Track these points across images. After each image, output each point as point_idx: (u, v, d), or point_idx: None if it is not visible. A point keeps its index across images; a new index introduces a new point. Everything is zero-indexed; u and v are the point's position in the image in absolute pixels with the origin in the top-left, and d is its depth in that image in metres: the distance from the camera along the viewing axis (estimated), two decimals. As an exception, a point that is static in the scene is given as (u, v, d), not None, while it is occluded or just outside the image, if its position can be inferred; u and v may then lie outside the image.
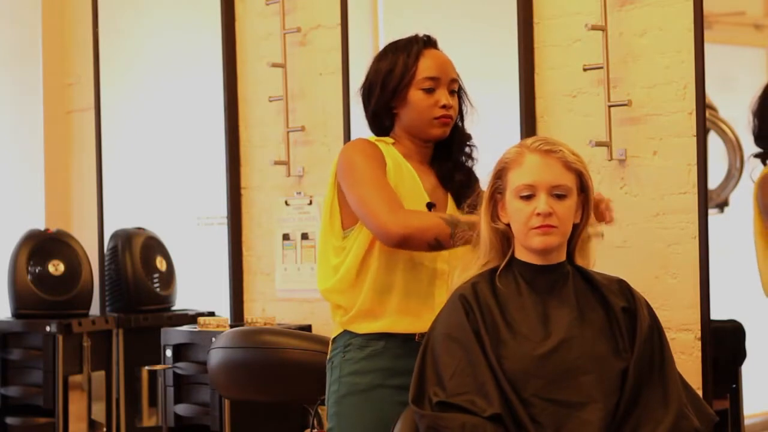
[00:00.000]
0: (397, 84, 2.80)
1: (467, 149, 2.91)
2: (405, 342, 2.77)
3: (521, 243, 2.54)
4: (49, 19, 5.26)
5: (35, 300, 4.76)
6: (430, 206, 2.80)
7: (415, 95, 2.81)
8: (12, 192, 5.29)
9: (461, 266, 2.63)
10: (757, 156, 3.37)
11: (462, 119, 2.91)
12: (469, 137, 2.92)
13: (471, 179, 2.89)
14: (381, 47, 2.94)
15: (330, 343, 2.88)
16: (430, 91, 2.80)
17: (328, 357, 2.87)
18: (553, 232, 2.49)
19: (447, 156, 2.89)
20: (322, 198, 4.21)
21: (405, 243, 2.68)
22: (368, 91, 2.86)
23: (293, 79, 4.35)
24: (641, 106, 3.36)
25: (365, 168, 2.75)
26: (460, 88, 2.89)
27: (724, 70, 3.35)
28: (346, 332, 2.82)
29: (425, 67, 2.81)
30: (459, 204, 2.84)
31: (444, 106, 2.80)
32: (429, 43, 2.85)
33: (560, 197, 2.49)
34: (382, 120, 2.86)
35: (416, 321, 2.77)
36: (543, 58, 3.58)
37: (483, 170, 2.70)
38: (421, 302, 2.78)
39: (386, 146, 2.83)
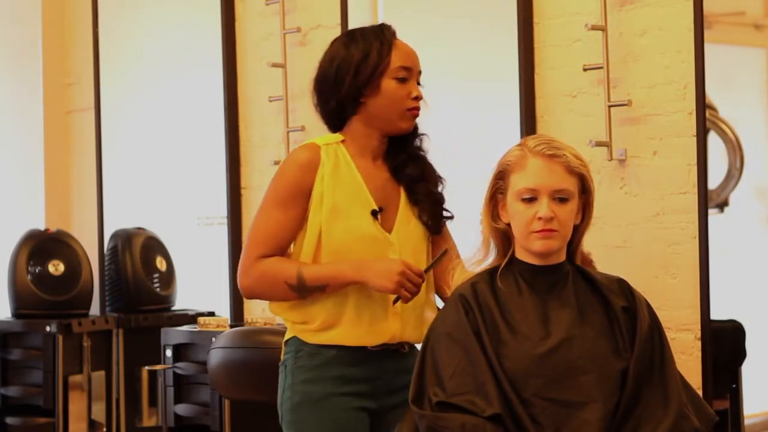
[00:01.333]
0: (372, 71, 2.69)
1: (418, 141, 2.81)
2: (356, 351, 2.70)
3: (522, 245, 2.54)
4: (49, 19, 5.26)
5: (35, 300, 4.76)
6: (375, 213, 2.70)
7: (389, 84, 2.71)
8: (12, 192, 5.29)
9: (461, 266, 2.63)
10: None
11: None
12: (416, 129, 2.81)
13: (425, 172, 2.79)
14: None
15: (283, 344, 2.80)
16: (402, 80, 2.71)
17: (281, 359, 2.79)
18: (554, 236, 2.49)
19: (401, 148, 2.78)
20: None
21: (250, 296, 2.74)
22: (335, 78, 2.72)
23: (293, 79, 4.35)
24: (641, 106, 3.35)
25: (273, 192, 2.70)
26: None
27: (724, 70, 3.35)
28: (296, 338, 2.75)
29: (399, 56, 2.72)
30: (413, 198, 2.76)
31: (416, 98, 2.72)
32: (394, 33, 2.77)
33: (562, 201, 2.49)
34: (345, 110, 2.74)
35: (369, 331, 2.70)
36: (543, 58, 3.58)
37: (483, 170, 2.70)
38: (376, 312, 2.70)
39: (332, 147, 2.73)
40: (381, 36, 2.73)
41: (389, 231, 2.73)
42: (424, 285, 2.69)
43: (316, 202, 2.69)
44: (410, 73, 2.73)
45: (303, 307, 2.71)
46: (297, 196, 2.69)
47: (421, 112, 2.77)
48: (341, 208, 2.69)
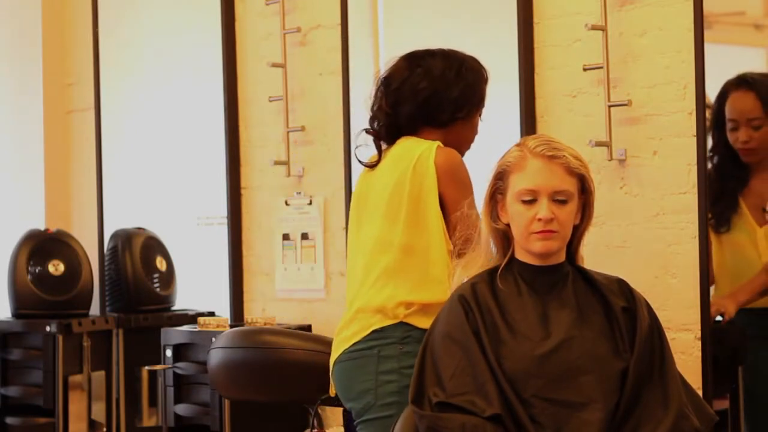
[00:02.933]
0: (480, 101, 2.93)
1: None
2: None
3: (521, 246, 2.54)
4: (49, 19, 5.26)
5: (35, 300, 4.76)
6: None
7: (476, 120, 2.93)
8: (12, 192, 5.29)
9: (461, 266, 2.63)
10: None
11: None
12: None
13: None
14: (381, 47, 2.96)
15: (364, 332, 2.81)
16: (479, 119, 2.95)
17: (365, 346, 2.80)
18: (553, 237, 2.49)
19: None
20: (323, 198, 4.24)
21: None
22: (444, 86, 2.89)
23: (293, 79, 4.35)
24: (641, 106, 3.35)
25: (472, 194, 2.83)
26: None
27: (724, 70, 3.35)
28: (402, 324, 2.78)
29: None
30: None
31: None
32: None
33: (562, 202, 2.49)
34: (431, 120, 2.88)
35: None
36: (543, 58, 3.58)
37: (482, 170, 2.70)
38: None
39: None
40: (485, 77, 2.98)
41: None
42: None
43: None
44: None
45: (430, 287, 2.77)
46: None
47: None
48: None
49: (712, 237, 3.26)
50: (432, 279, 2.77)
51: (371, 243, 2.86)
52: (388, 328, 2.78)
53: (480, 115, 2.94)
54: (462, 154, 2.88)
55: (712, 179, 3.26)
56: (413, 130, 2.88)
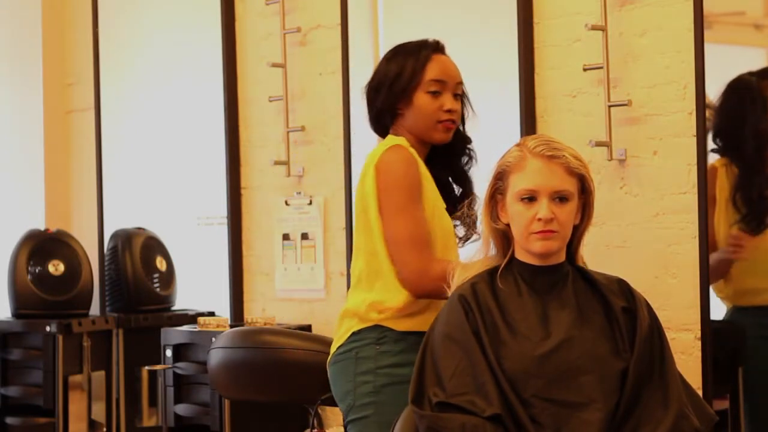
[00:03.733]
0: (405, 86, 2.85)
1: (466, 155, 2.96)
2: None
3: (521, 246, 2.54)
4: (49, 19, 5.26)
5: (35, 300, 4.76)
6: (448, 210, 2.89)
7: (421, 98, 2.86)
8: (12, 192, 5.29)
9: (461, 266, 2.63)
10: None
11: (463, 124, 2.96)
12: (468, 141, 2.97)
13: (467, 190, 2.94)
14: (381, 47, 2.97)
15: (345, 336, 2.86)
16: (435, 94, 2.86)
17: (345, 349, 2.85)
18: (553, 237, 2.49)
19: (446, 163, 2.93)
20: (323, 198, 4.24)
21: (426, 297, 2.80)
22: (375, 90, 2.90)
23: (293, 79, 4.35)
24: (641, 106, 3.36)
25: (404, 194, 2.78)
26: (464, 93, 2.94)
27: (724, 70, 3.35)
28: (378, 326, 2.82)
29: (433, 70, 2.86)
30: (454, 216, 2.90)
31: (449, 111, 2.86)
32: (438, 48, 2.91)
33: (562, 202, 2.49)
34: (384, 118, 2.91)
35: None
36: (543, 58, 3.58)
37: (482, 170, 2.70)
38: None
39: (413, 151, 2.86)
40: (418, 51, 2.88)
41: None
42: None
43: (426, 197, 2.83)
44: (444, 86, 2.87)
45: (395, 297, 2.80)
46: (419, 189, 2.81)
47: (468, 122, 2.95)
48: (437, 204, 2.84)
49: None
50: (395, 282, 2.82)
51: (353, 248, 2.94)
52: (364, 330, 2.84)
53: (427, 92, 2.85)
54: (432, 128, 2.85)
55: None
56: (387, 128, 2.92)
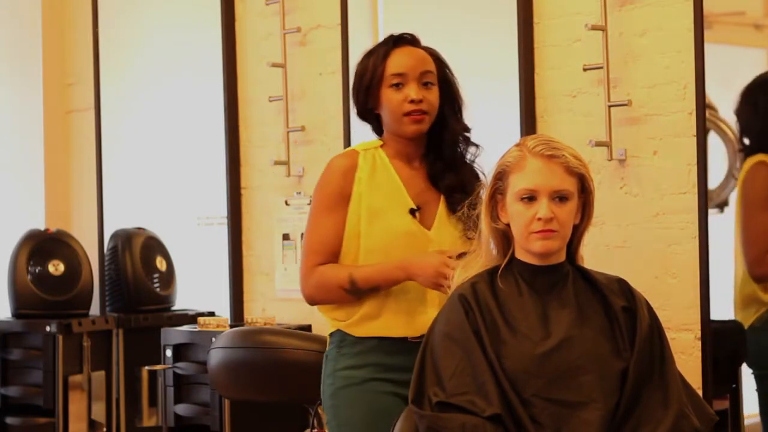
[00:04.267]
0: (369, 84, 2.83)
1: (461, 145, 2.89)
2: (397, 341, 2.80)
3: (521, 246, 2.54)
4: (49, 19, 5.26)
5: (35, 300, 4.76)
6: (413, 212, 2.82)
7: (386, 94, 2.82)
8: (12, 192, 5.29)
9: (461, 266, 2.63)
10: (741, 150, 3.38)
11: (453, 112, 2.88)
12: (463, 130, 2.89)
13: (464, 181, 2.85)
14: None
15: (327, 337, 2.92)
16: (398, 86, 2.80)
17: (324, 350, 2.92)
18: (553, 237, 2.49)
19: (438, 155, 2.87)
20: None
21: (312, 303, 2.87)
22: (352, 95, 2.91)
23: (293, 79, 4.35)
24: (641, 106, 3.35)
25: (318, 201, 2.85)
26: (446, 80, 2.87)
27: (724, 70, 3.35)
28: (339, 331, 2.86)
29: (392, 64, 2.82)
30: (451, 207, 2.83)
31: (413, 101, 2.79)
32: (401, 41, 2.86)
33: (561, 201, 2.49)
34: (367, 120, 2.92)
35: (409, 322, 2.80)
36: (543, 58, 3.58)
37: (482, 170, 2.70)
38: (413, 303, 2.80)
39: (371, 152, 2.84)
40: (379, 49, 2.85)
41: (429, 228, 2.83)
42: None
43: (354, 205, 2.81)
44: (405, 78, 2.81)
45: (346, 306, 2.83)
46: (340, 201, 2.82)
47: (460, 109, 2.88)
48: (378, 208, 2.80)
49: None
50: None
51: None
52: (332, 333, 2.89)
53: (390, 86, 2.80)
54: (400, 122, 2.81)
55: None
56: (378, 130, 2.92)
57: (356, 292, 2.78)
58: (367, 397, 2.79)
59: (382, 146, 2.87)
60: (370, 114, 2.89)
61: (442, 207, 2.85)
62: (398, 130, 2.83)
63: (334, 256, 2.83)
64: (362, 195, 2.81)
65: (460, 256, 2.70)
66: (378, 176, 2.83)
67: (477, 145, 2.90)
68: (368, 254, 2.80)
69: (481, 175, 2.86)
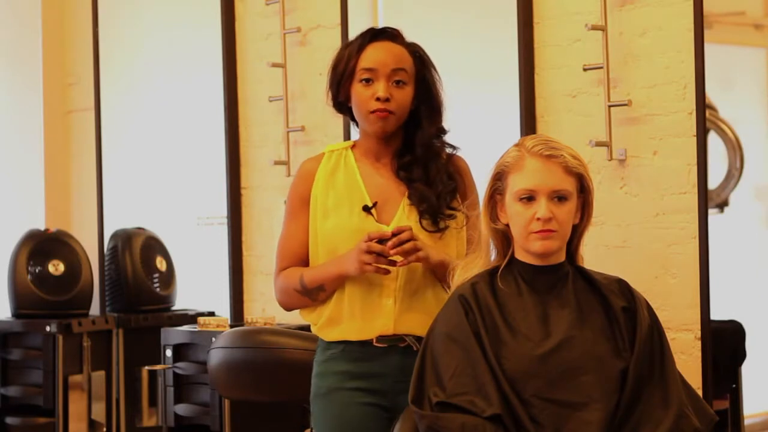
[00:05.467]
0: (340, 78, 2.77)
1: (434, 148, 2.77)
2: (362, 346, 2.75)
3: (521, 246, 2.54)
4: (49, 19, 5.26)
5: (35, 300, 4.76)
6: (366, 208, 2.74)
7: (355, 88, 2.74)
8: (12, 192, 5.29)
9: (461, 266, 2.63)
10: None
11: (429, 113, 2.77)
12: (437, 132, 2.78)
13: (431, 176, 2.74)
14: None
15: None
16: (368, 81, 2.72)
17: None
18: (553, 237, 2.49)
19: (408, 149, 2.78)
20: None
21: (286, 309, 2.86)
22: (327, 86, 2.84)
23: (293, 79, 4.35)
24: (641, 106, 3.35)
25: (286, 207, 2.85)
26: (424, 80, 2.77)
27: (724, 70, 3.35)
28: (316, 335, 2.86)
29: (365, 58, 2.73)
30: (410, 199, 2.74)
31: (378, 99, 2.70)
32: (380, 35, 2.77)
33: (561, 201, 2.49)
34: (344, 113, 2.86)
35: (364, 324, 2.73)
36: (543, 58, 3.58)
37: (483, 170, 2.70)
38: (367, 304, 2.73)
39: (337, 153, 2.81)
40: (354, 42, 2.79)
41: (387, 223, 2.74)
42: (420, 271, 2.71)
43: (312, 207, 2.79)
44: (376, 74, 2.72)
45: (316, 308, 2.81)
46: (301, 205, 2.80)
47: (435, 110, 2.77)
48: (331, 207, 2.77)
49: None
50: None
51: None
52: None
53: (360, 81, 2.72)
54: (366, 119, 2.73)
55: None
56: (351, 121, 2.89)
57: (308, 293, 2.75)
58: (335, 409, 2.75)
59: (353, 145, 2.82)
60: (344, 107, 2.82)
61: (405, 202, 2.75)
62: (365, 126, 2.77)
63: (299, 260, 2.80)
64: (318, 196, 2.78)
65: (395, 236, 2.62)
66: (337, 176, 2.78)
67: (454, 147, 2.81)
68: (328, 254, 2.76)
69: (458, 176, 2.78)
